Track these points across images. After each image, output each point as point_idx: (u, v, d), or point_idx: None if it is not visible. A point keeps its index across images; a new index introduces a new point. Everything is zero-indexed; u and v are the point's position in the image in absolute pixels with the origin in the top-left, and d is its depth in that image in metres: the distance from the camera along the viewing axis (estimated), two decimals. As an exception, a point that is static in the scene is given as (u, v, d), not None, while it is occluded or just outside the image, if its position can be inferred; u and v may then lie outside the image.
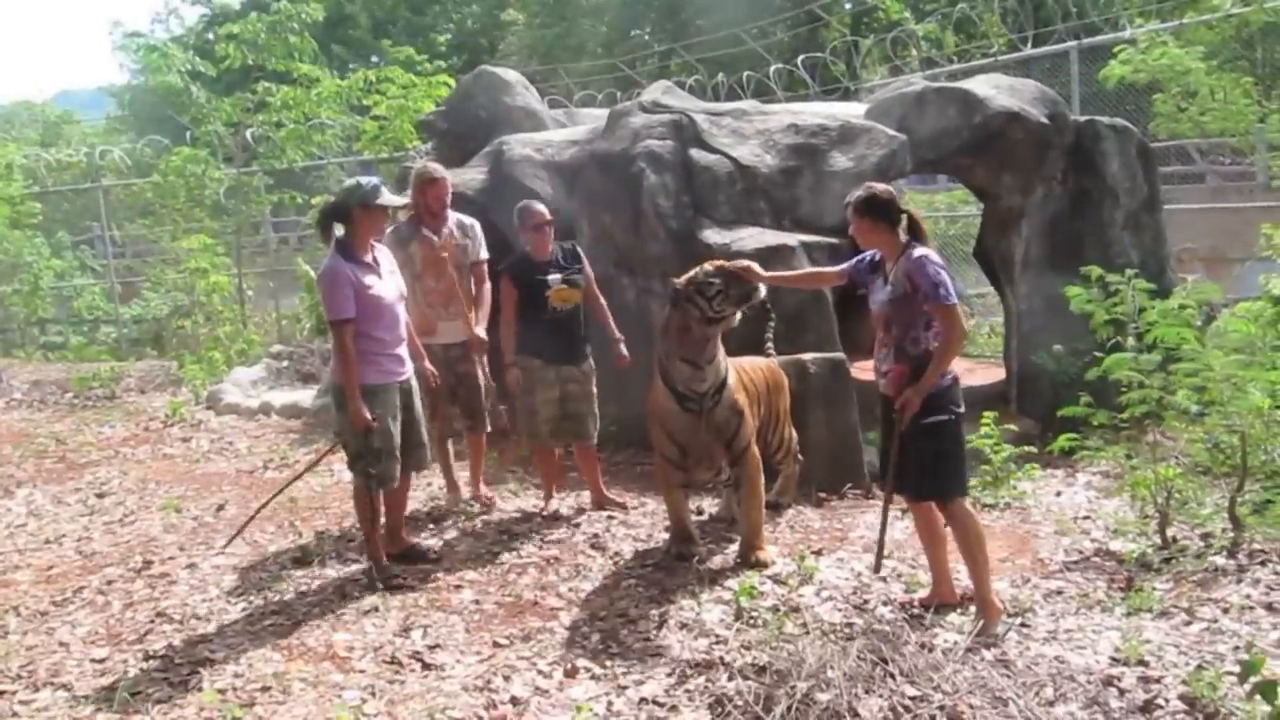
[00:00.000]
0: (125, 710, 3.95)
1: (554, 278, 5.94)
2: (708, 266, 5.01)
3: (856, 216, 4.41)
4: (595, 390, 6.12)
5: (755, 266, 4.94)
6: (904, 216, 4.37)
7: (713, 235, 7.07)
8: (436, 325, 5.99)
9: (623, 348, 6.11)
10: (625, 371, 6.43)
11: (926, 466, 4.31)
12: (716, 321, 4.97)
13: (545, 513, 6.20)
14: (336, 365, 5.01)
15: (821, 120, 7.63)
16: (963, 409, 4.42)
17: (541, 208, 6.14)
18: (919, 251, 4.27)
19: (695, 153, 7.47)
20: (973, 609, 4.38)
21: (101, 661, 4.43)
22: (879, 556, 4.60)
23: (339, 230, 5.02)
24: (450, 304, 5.98)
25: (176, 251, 14.12)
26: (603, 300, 6.20)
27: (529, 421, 6.04)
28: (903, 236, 4.36)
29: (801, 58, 17.00)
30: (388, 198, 5.07)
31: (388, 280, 5.09)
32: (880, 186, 4.49)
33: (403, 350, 5.17)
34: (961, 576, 4.61)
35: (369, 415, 4.91)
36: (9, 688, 4.21)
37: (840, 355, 6.57)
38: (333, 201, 5.07)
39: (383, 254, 5.20)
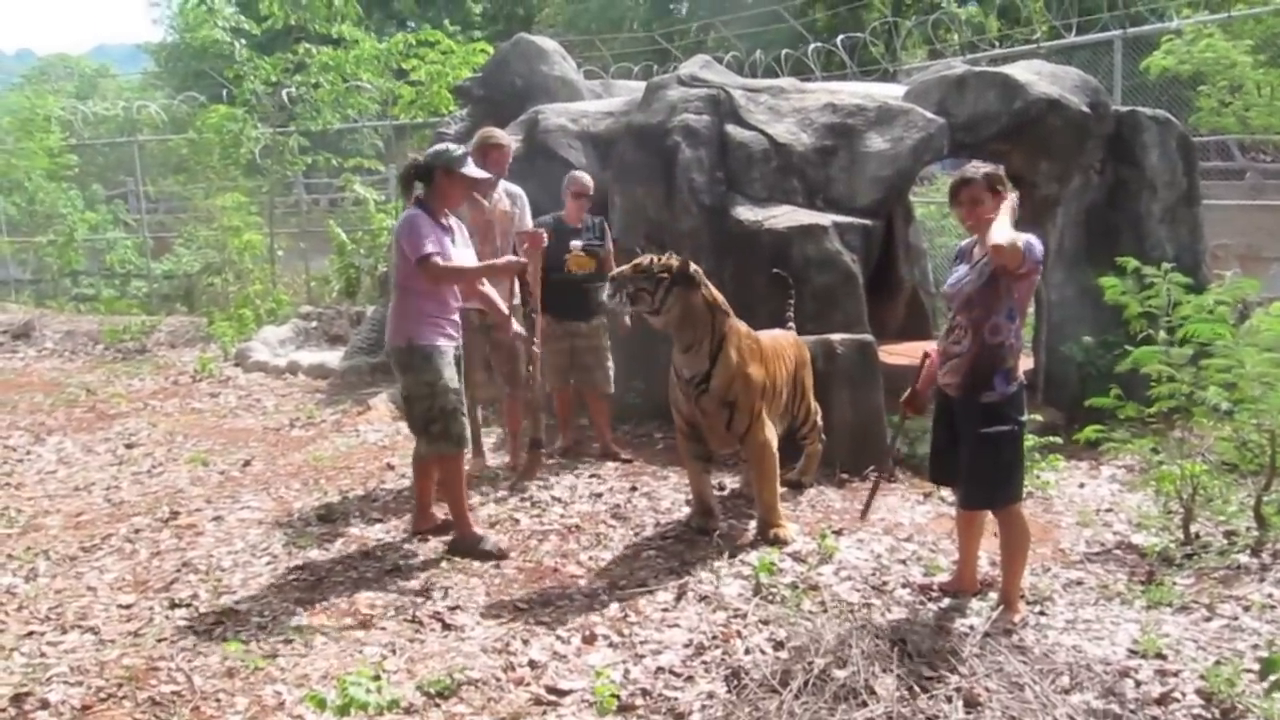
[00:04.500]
0: (150, 655, 4.01)
1: (575, 244, 6.34)
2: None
3: (990, 193, 4.05)
4: (605, 345, 6.67)
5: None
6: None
7: (745, 212, 7.05)
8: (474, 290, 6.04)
9: (627, 319, 6.42)
10: (651, 347, 6.49)
11: (982, 477, 4.17)
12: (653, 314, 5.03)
13: (557, 449, 6.77)
14: (396, 326, 4.97)
15: (859, 100, 7.57)
16: (1025, 417, 4.22)
17: (586, 179, 6.64)
18: (1025, 237, 3.99)
19: (731, 128, 7.43)
20: (993, 595, 4.39)
21: (128, 607, 4.50)
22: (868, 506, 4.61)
23: (419, 190, 5.01)
24: None
25: (209, 209, 14.21)
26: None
27: (547, 368, 6.42)
28: None
29: (841, 37, 16.83)
30: (472, 169, 5.06)
31: (461, 249, 5.08)
32: (989, 165, 4.21)
33: (457, 316, 5.15)
34: (983, 562, 4.62)
35: (437, 374, 4.92)
36: (38, 629, 4.29)
37: (869, 337, 6.56)
38: (418, 160, 5.04)
39: (458, 225, 5.19)
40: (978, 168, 4.17)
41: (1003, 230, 3.92)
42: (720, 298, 5.15)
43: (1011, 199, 4.09)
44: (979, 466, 4.17)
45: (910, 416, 4.80)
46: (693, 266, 5.04)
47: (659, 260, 5.01)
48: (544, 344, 6.15)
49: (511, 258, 5.24)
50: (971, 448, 4.15)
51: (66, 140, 17.41)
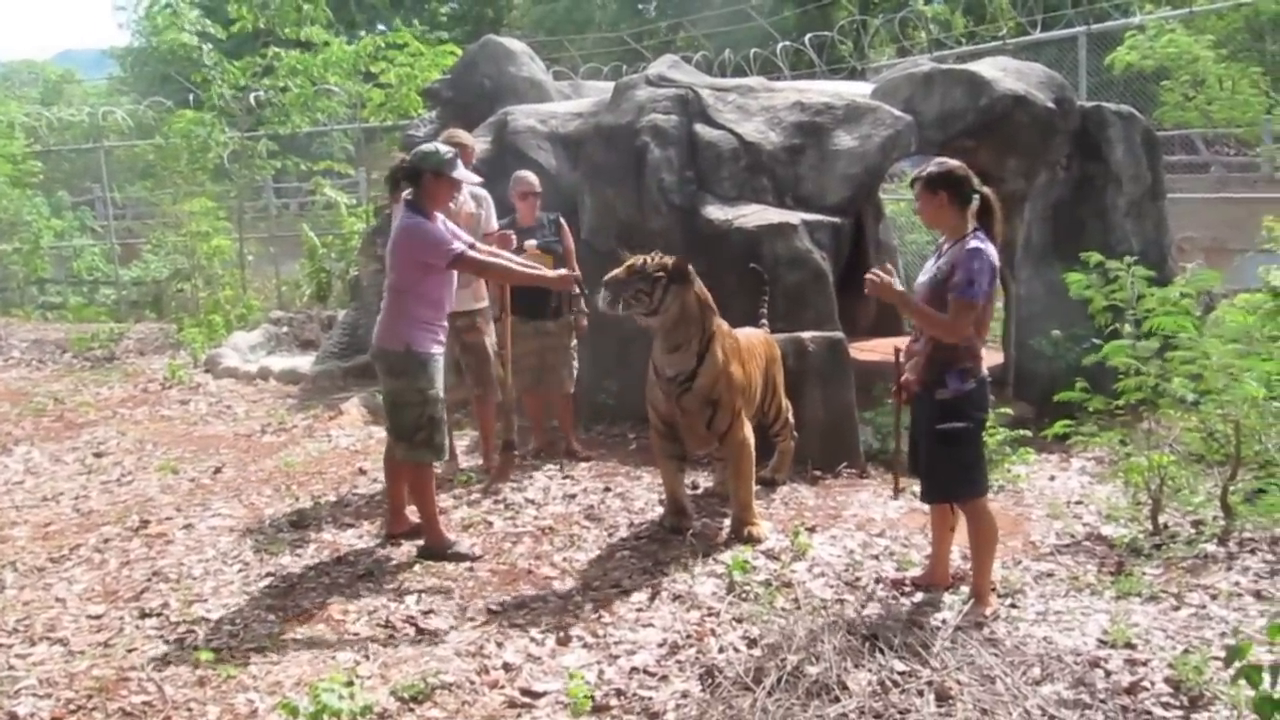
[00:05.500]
0: (120, 666, 3.98)
1: (530, 242, 6.25)
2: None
3: (927, 192, 4.12)
4: (571, 345, 6.69)
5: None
6: (976, 198, 4.12)
7: (715, 211, 7.07)
8: None
9: (584, 319, 6.56)
10: (623, 347, 6.51)
11: (940, 472, 4.22)
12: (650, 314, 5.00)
13: (530, 450, 6.75)
14: (390, 330, 4.88)
15: (827, 99, 7.60)
16: (986, 413, 4.27)
17: (530, 178, 6.65)
18: (975, 243, 4.01)
19: (700, 128, 7.45)
20: (964, 589, 4.42)
21: (98, 618, 4.46)
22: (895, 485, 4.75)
23: (408, 192, 4.91)
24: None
25: (177, 214, 14.10)
26: (576, 270, 6.28)
27: (516, 369, 6.31)
28: (971, 222, 4.12)
29: (809, 36, 16.90)
30: (462, 173, 4.99)
31: None
32: (954, 161, 4.18)
33: (446, 321, 5.10)
34: (955, 556, 4.65)
35: (430, 382, 4.89)
36: (6, 641, 4.24)
37: (839, 334, 6.58)
38: (406, 161, 4.96)
39: (444, 224, 5.05)
40: (924, 169, 4.21)
41: (935, 327, 4.09)
42: (708, 296, 5.15)
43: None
44: (935, 461, 4.21)
45: (896, 404, 4.75)
46: (688, 264, 5.03)
47: (653, 260, 4.98)
48: (513, 345, 6.13)
49: (564, 271, 5.17)
50: (928, 443, 4.20)
51: (31, 146, 17.23)
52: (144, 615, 4.46)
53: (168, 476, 6.66)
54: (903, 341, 4.53)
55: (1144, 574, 4.67)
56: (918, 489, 4.51)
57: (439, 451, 5.04)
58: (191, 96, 15.20)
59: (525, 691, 3.73)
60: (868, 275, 4.19)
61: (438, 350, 4.97)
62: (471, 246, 5.11)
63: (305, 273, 13.69)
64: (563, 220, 6.72)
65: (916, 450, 4.41)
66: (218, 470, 6.78)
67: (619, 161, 7.45)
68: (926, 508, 4.67)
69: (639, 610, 4.39)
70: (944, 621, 4.09)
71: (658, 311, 4.96)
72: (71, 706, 3.69)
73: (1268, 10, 11.52)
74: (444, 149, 4.99)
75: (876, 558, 4.96)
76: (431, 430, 4.95)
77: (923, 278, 4.26)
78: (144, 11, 14.02)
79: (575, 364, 6.73)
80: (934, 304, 4.11)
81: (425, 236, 4.81)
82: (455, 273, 5.03)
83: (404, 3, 30.58)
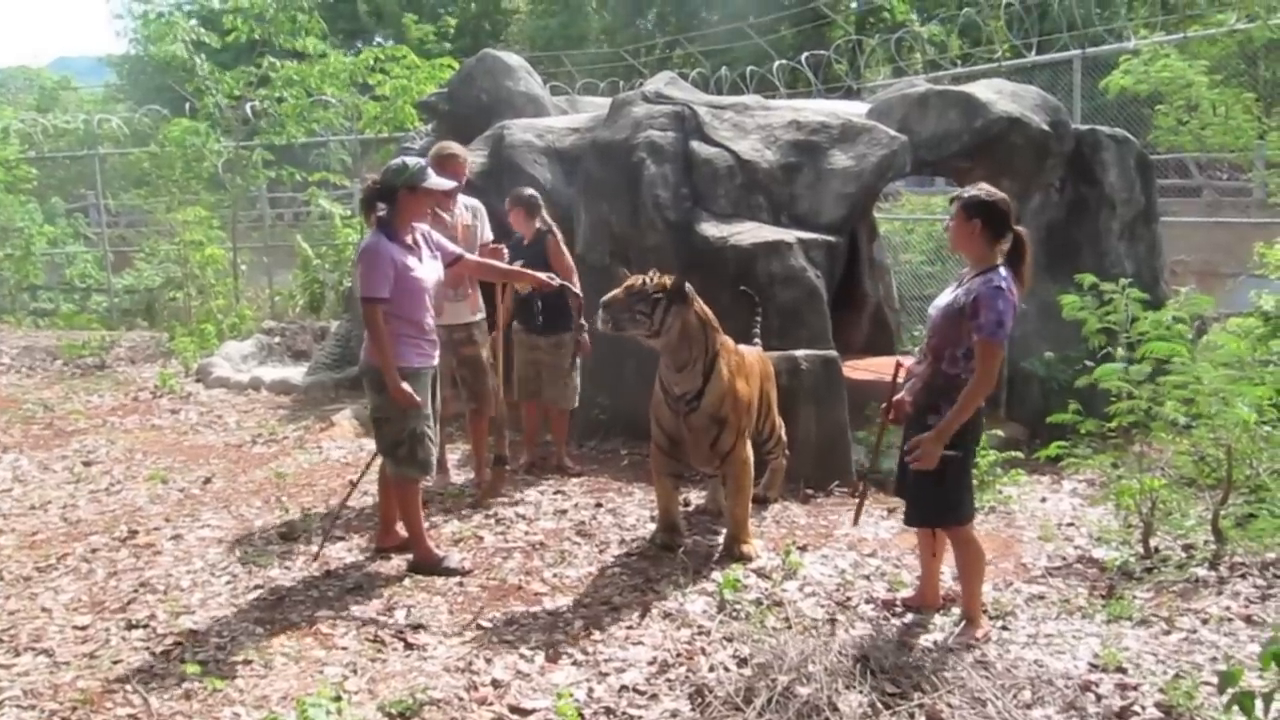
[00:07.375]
0: (106, 677, 3.95)
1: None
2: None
3: (964, 215, 4.07)
4: (567, 363, 6.49)
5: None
6: (1012, 236, 4.08)
7: (710, 228, 7.07)
8: (442, 306, 5.95)
9: (585, 336, 6.28)
10: (617, 363, 6.50)
11: (926, 498, 4.22)
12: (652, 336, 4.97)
13: (522, 465, 6.75)
14: (371, 345, 4.85)
15: (823, 118, 7.62)
16: (978, 442, 4.27)
17: (521, 193, 6.66)
18: (1000, 282, 3.97)
19: (696, 145, 7.46)
20: (955, 610, 4.41)
21: (84, 629, 4.43)
22: (857, 514, 4.63)
23: (382, 210, 4.87)
24: (457, 285, 5.96)
25: (171, 223, 14.07)
26: (578, 289, 6.25)
27: (516, 379, 6.33)
28: (999, 258, 4.09)
29: (805, 55, 16.99)
30: (435, 181, 4.94)
31: (428, 264, 4.96)
32: (1000, 194, 4.12)
33: (435, 335, 5.08)
34: (946, 577, 4.64)
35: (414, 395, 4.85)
36: (-10, 651, 4.21)
37: (833, 353, 6.58)
38: (378, 181, 4.91)
39: (425, 237, 5.04)
40: (965, 191, 4.19)
41: (973, 399, 4.02)
42: (710, 314, 5.12)
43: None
44: (921, 486, 4.19)
45: (889, 425, 4.74)
46: (687, 284, 5.01)
47: (651, 280, 4.96)
48: (516, 354, 6.09)
49: (408, 389, 4.79)
50: (918, 469, 4.18)
51: (25, 152, 17.20)
52: (130, 626, 4.42)
53: (157, 486, 6.63)
54: (906, 358, 4.53)
55: (1135, 597, 4.66)
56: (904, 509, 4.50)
57: (424, 467, 5.01)
58: (187, 105, 15.19)
59: (514, 709, 3.71)
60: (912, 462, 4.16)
61: (422, 365, 4.93)
62: (459, 259, 5.22)
63: (298, 283, 13.67)
64: (557, 232, 6.58)
65: (903, 470, 4.41)
66: (207, 481, 6.75)
67: (615, 177, 7.46)
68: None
69: (629, 628, 4.37)
70: (935, 643, 4.08)
71: (660, 333, 4.93)
72: (56, 718, 3.66)
73: (1261, 36, 11.57)
74: (411, 161, 4.95)
75: (868, 578, 4.95)
76: (415, 445, 4.92)
77: (940, 302, 4.23)
78: (140, 21, 14.03)
79: (575, 383, 6.65)
80: (948, 329, 4.10)
81: (366, 266, 4.77)
82: (430, 290, 4.97)
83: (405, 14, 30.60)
